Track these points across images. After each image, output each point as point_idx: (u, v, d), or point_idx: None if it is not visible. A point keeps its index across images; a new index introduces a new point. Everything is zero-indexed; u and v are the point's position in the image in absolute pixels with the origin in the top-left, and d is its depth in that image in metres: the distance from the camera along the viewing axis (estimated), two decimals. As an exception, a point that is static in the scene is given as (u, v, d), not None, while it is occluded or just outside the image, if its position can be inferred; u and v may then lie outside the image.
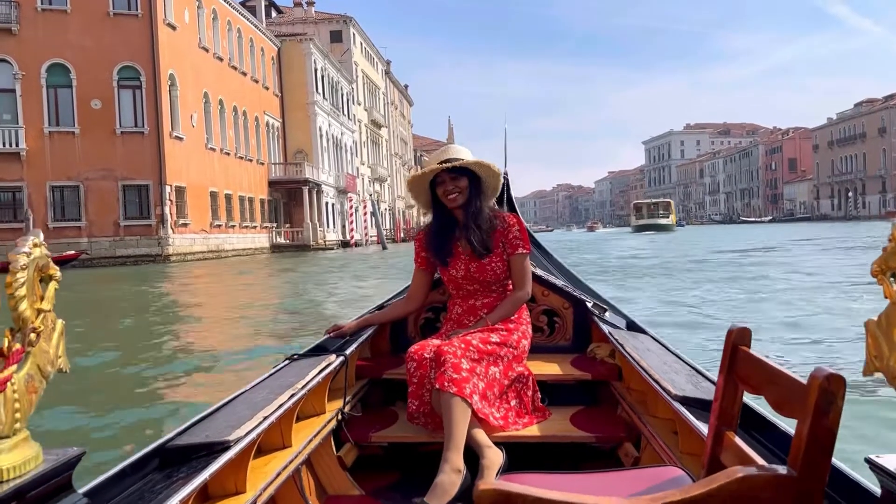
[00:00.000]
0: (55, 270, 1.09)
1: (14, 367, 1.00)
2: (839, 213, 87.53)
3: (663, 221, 68.96)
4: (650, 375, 2.02)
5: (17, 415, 0.99)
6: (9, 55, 27.42)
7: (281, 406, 1.89)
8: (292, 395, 1.99)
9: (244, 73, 39.18)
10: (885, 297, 0.92)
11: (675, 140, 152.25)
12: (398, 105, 78.90)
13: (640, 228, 67.70)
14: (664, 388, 1.89)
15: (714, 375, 1.64)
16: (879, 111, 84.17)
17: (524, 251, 2.58)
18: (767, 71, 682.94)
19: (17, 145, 27.37)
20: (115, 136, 28.52)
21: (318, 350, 2.55)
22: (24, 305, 1.02)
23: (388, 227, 61.35)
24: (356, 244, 47.87)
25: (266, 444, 1.93)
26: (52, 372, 1.07)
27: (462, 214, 2.57)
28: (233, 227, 35.65)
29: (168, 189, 29.03)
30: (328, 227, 46.96)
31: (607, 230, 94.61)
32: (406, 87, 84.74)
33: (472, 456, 2.14)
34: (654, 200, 78.88)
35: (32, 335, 1.03)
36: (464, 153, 2.57)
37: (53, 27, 27.81)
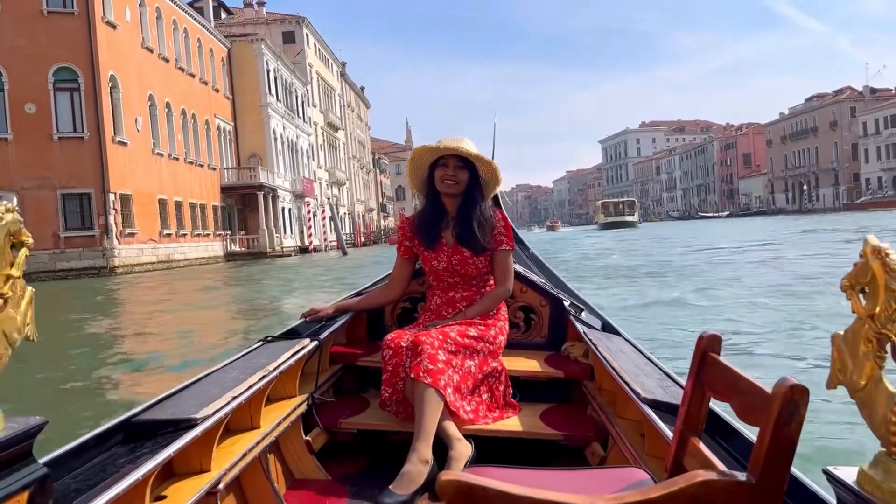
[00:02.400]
0: (27, 237, 1.05)
1: None
2: (794, 207, 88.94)
3: (629, 219, 72.88)
4: (620, 377, 2.02)
5: None
6: (-67, 57, 25.51)
7: (251, 387, 1.88)
8: (263, 377, 1.97)
9: (192, 75, 37.52)
10: (853, 312, 0.93)
11: (632, 138, 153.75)
12: (355, 107, 77.58)
13: (607, 226, 70.91)
14: (633, 391, 1.88)
15: (684, 380, 1.54)
16: (830, 105, 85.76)
17: (507, 248, 2.57)
18: (718, 69, 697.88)
19: (-56, 154, 25.46)
20: (53, 142, 26.71)
21: (293, 333, 2.52)
22: None
23: (347, 231, 59.98)
24: (315, 250, 46.47)
25: (234, 425, 1.92)
26: (18, 339, 1.03)
27: (454, 206, 2.56)
28: (184, 235, 33.98)
29: (112, 197, 27.32)
30: (285, 232, 45.48)
31: (568, 229, 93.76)
32: (362, 88, 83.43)
33: (441, 447, 2.12)
34: (620, 200, 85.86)
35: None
36: (473, 148, 2.55)
37: (-19, 27, 25.92)
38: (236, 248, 40.07)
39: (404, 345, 2.31)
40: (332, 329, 2.59)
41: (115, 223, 27.38)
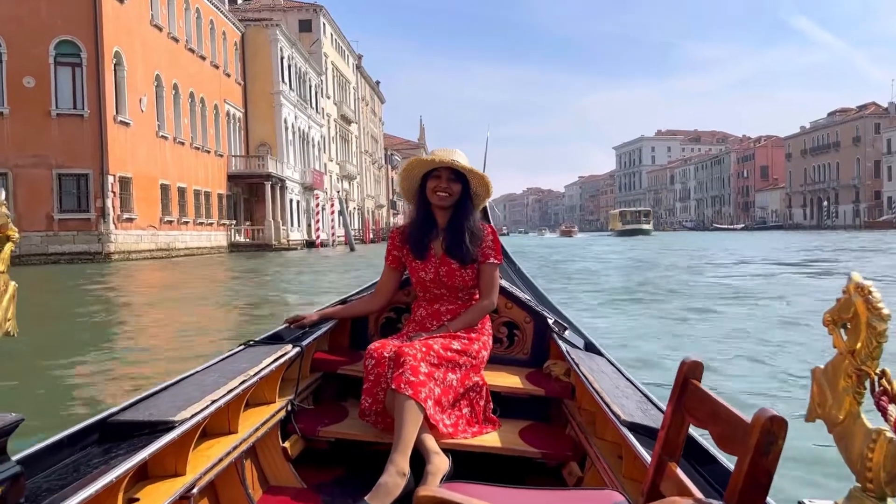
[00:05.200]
0: (13, 231, 1.04)
1: None
2: (812, 223, 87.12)
3: (645, 227, 76.22)
4: (601, 398, 2.02)
5: None
6: (-71, 24, 24.21)
7: (231, 391, 1.84)
8: (243, 382, 1.94)
9: (203, 58, 36.19)
10: (834, 347, 0.96)
11: (647, 146, 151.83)
12: (369, 101, 76.27)
13: (624, 233, 74.19)
14: (613, 412, 1.88)
15: (664, 404, 1.55)
16: (853, 120, 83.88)
17: (495, 261, 2.59)
18: (733, 81, 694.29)
19: (-64, 126, 24.16)
20: (51, 119, 25.38)
21: (275, 338, 2.50)
22: None
23: (356, 227, 58.62)
24: (322, 244, 45.14)
25: (211, 428, 1.89)
26: None
27: (444, 218, 2.58)
28: (186, 223, 32.65)
29: (111, 179, 26.00)
30: (292, 225, 44.14)
31: (582, 235, 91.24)
32: (378, 83, 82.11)
33: (419, 460, 2.10)
34: (637, 209, 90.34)
35: None
36: (465, 161, 2.56)
37: (-19, -6, 24.60)
38: (241, 238, 38.74)
39: (387, 355, 2.30)
40: (314, 336, 2.57)
41: (113, 207, 26.07)
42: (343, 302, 2.94)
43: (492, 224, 2.80)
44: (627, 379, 2.39)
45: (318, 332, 2.60)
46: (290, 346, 2.36)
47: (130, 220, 27.28)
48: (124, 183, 27.01)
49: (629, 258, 24.74)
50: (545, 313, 2.96)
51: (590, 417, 2.28)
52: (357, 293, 3.09)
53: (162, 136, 30.92)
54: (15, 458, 1.12)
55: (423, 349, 2.26)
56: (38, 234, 24.74)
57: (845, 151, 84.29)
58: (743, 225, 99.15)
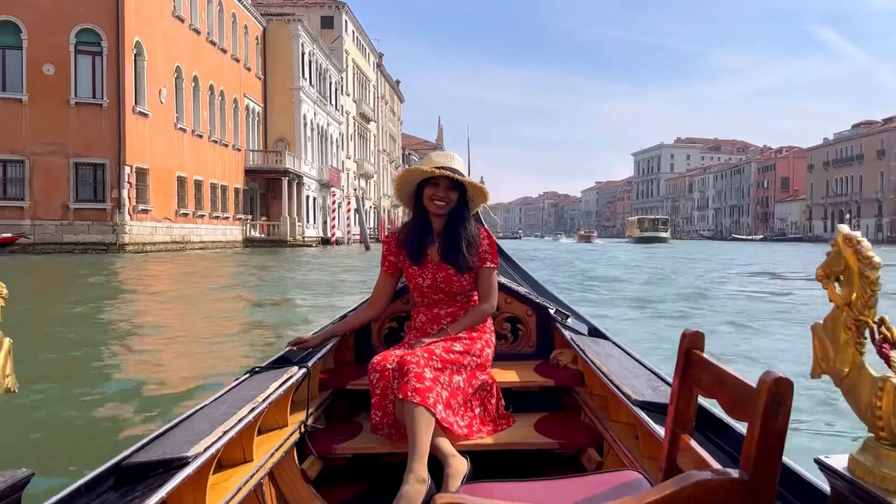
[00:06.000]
0: (2, 287, 1.04)
1: None
2: (832, 235, 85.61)
3: (662, 235, 77.96)
4: (610, 381, 2.04)
5: None
6: (-49, 9, 24.16)
7: (241, 420, 1.84)
8: (253, 409, 1.93)
9: (224, 51, 36.03)
10: (830, 301, 0.96)
11: (666, 153, 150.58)
12: (388, 100, 76.06)
13: (641, 240, 75.44)
14: (624, 393, 1.89)
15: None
16: (878, 133, 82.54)
17: (492, 265, 2.61)
18: (755, 91, 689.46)
19: (-45, 111, 24.06)
20: (69, 107, 25.26)
21: (280, 362, 2.50)
22: None
23: (372, 226, 58.36)
24: (337, 242, 44.88)
25: (227, 459, 1.90)
26: None
27: (440, 224, 2.58)
28: (202, 216, 32.46)
29: (128, 170, 25.83)
30: (308, 222, 43.92)
31: (601, 241, 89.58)
32: (398, 82, 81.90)
33: (437, 465, 2.10)
34: (655, 217, 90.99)
35: None
36: (464, 168, 2.59)
37: (4, -20, 24.51)
38: (256, 233, 38.55)
39: (390, 366, 2.29)
40: (319, 355, 2.54)
41: (129, 198, 25.90)
42: (342, 318, 2.94)
43: (486, 227, 2.83)
44: (634, 359, 2.40)
45: (322, 351, 2.59)
46: (295, 368, 2.34)
47: (146, 211, 27.10)
48: (141, 174, 26.84)
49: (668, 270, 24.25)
50: (546, 304, 2.97)
51: (602, 402, 2.30)
52: (354, 309, 3.09)
53: (180, 129, 30.75)
54: None
55: (426, 355, 2.26)
56: (52, 223, 24.63)
57: (869, 165, 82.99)
58: (762, 236, 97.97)
